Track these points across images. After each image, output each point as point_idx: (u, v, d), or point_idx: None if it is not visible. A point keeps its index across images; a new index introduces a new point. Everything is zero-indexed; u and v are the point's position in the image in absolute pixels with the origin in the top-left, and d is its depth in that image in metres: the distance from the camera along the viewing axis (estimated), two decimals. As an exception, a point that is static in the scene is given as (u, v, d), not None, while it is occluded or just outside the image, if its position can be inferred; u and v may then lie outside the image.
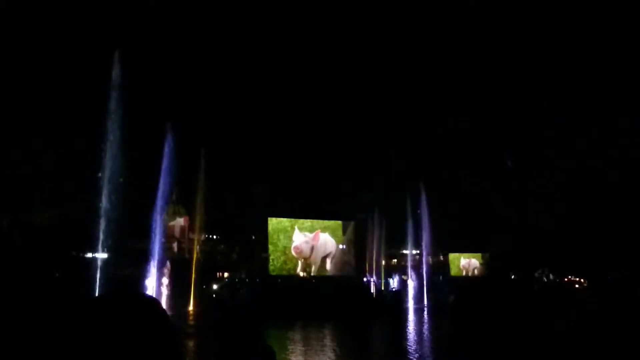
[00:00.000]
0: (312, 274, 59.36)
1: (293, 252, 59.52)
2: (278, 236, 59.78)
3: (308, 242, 60.51)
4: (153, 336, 1.17)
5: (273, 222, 60.35)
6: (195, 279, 45.35)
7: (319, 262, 60.64)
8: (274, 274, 57.39)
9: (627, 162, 42.96)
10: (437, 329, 33.38)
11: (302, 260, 60.04)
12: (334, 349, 22.34)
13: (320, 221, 62.16)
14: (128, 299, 1.22)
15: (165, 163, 38.54)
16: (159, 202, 38.87)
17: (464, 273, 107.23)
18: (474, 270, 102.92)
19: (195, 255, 49.28)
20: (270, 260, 58.85)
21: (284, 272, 58.32)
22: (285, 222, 60.87)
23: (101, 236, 32.33)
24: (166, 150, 38.57)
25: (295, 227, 60.64)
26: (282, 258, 59.45)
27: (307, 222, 61.46)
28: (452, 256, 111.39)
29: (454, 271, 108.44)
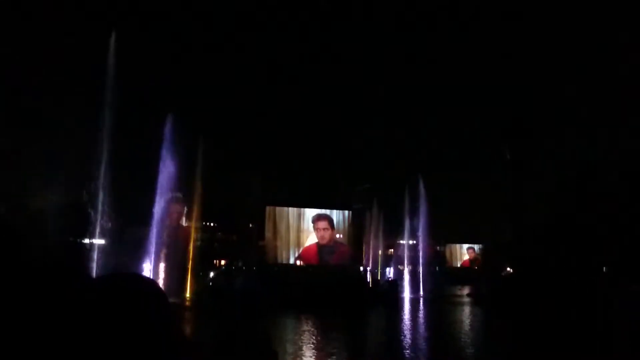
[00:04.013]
0: (308, 263, 59.57)
1: (290, 242, 59.75)
2: (275, 225, 59.93)
3: (305, 230, 60.70)
4: (155, 312, 1.22)
5: (270, 211, 60.49)
6: (192, 266, 45.52)
7: (315, 251, 60.81)
8: (271, 262, 57.58)
9: (624, 156, 43.04)
10: (433, 320, 33.64)
11: (299, 249, 60.24)
12: (327, 339, 22.47)
13: (318, 210, 62.28)
14: (127, 277, 1.27)
15: (163, 150, 38.62)
16: (157, 190, 38.96)
17: (459, 264, 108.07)
18: (476, 260, 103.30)
19: (192, 243, 49.44)
20: (267, 249, 59.04)
21: (281, 261, 58.53)
22: (282, 210, 61.00)
23: (99, 222, 32.41)
24: (164, 137, 38.64)
25: (293, 215, 60.80)
26: (279, 246, 59.62)
27: (304, 211, 61.58)
28: (449, 247, 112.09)
29: (451, 262, 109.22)
